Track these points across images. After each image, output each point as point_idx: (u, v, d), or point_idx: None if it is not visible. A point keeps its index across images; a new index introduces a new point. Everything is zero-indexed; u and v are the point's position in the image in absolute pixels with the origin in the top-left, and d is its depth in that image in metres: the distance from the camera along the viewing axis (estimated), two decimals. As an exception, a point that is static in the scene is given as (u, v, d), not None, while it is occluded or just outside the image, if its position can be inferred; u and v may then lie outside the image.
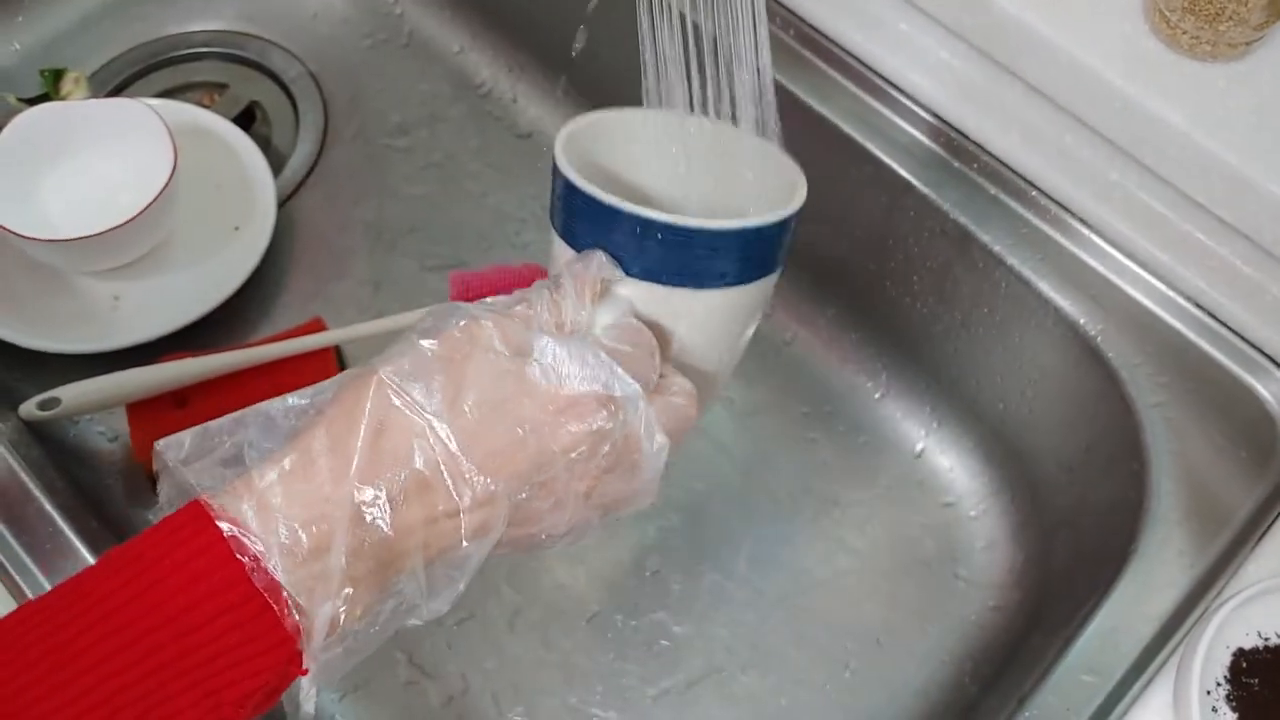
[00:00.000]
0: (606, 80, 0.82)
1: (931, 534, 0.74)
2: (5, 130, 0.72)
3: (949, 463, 0.76)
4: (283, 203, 0.81)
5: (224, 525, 0.35)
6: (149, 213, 0.69)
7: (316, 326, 0.74)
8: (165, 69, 0.88)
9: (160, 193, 0.70)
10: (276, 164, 0.82)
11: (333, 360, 0.74)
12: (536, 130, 0.87)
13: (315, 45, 0.89)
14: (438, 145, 0.86)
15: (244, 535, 0.35)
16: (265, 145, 0.82)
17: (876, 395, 0.78)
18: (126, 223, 0.69)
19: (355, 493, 0.36)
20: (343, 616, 0.36)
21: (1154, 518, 0.58)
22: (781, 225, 0.44)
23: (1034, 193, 0.65)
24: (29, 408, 0.67)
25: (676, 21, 0.46)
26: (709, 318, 0.45)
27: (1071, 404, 0.67)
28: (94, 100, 0.77)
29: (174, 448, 0.38)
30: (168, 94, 0.86)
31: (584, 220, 0.44)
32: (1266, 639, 0.51)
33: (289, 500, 0.36)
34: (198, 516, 0.35)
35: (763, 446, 0.76)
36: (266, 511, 0.35)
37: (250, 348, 0.72)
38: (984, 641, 0.70)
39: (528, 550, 0.42)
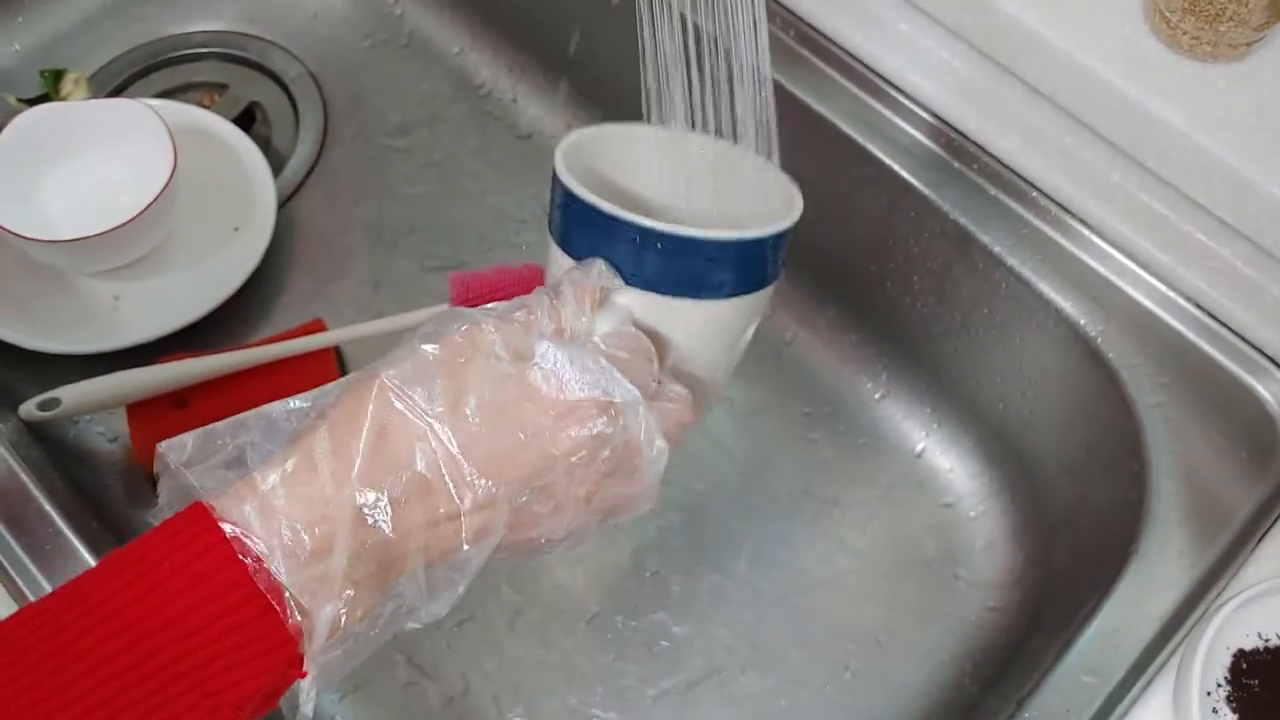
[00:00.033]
0: (606, 81, 0.82)
1: (932, 534, 0.74)
2: (5, 131, 0.72)
3: (949, 463, 0.76)
4: (283, 203, 0.81)
5: (226, 526, 0.35)
6: (149, 213, 0.69)
7: (316, 327, 0.74)
8: (165, 69, 0.88)
9: (160, 193, 0.70)
10: (276, 164, 0.82)
11: (333, 361, 0.74)
12: (536, 131, 0.87)
13: (315, 45, 0.89)
14: (438, 145, 0.86)
15: (246, 536, 0.35)
16: (265, 146, 0.82)
17: (877, 396, 0.78)
18: (127, 223, 0.69)
19: (357, 495, 0.36)
20: (344, 618, 0.36)
21: (1154, 518, 0.58)
22: (779, 237, 0.45)
23: (1034, 193, 0.65)
24: (29, 408, 0.67)
25: (676, 21, 0.46)
26: (706, 327, 0.45)
27: (1072, 405, 0.67)
28: (94, 101, 0.77)
29: (176, 449, 0.39)
30: (168, 94, 0.86)
31: (583, 229, 0.44)
32: (1267, 640, 0.51)
33: (291, 502, 0.36)
34: (199, 518, 0.35)
35: (763, 447, 0.76)
36: (269, 513, 0.36)
37: (250, 348, 0.72)
38: (984, 642, 0.70)
39: (527, 555, 0.42)
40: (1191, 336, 0.61)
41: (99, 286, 0.75)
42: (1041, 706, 0.54)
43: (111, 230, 0.68)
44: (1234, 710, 0.50)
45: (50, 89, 0.79)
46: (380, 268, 0.81)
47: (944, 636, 0.70)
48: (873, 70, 0.68)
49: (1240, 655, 0.51)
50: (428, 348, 0.39)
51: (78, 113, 0.75)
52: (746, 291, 0.45)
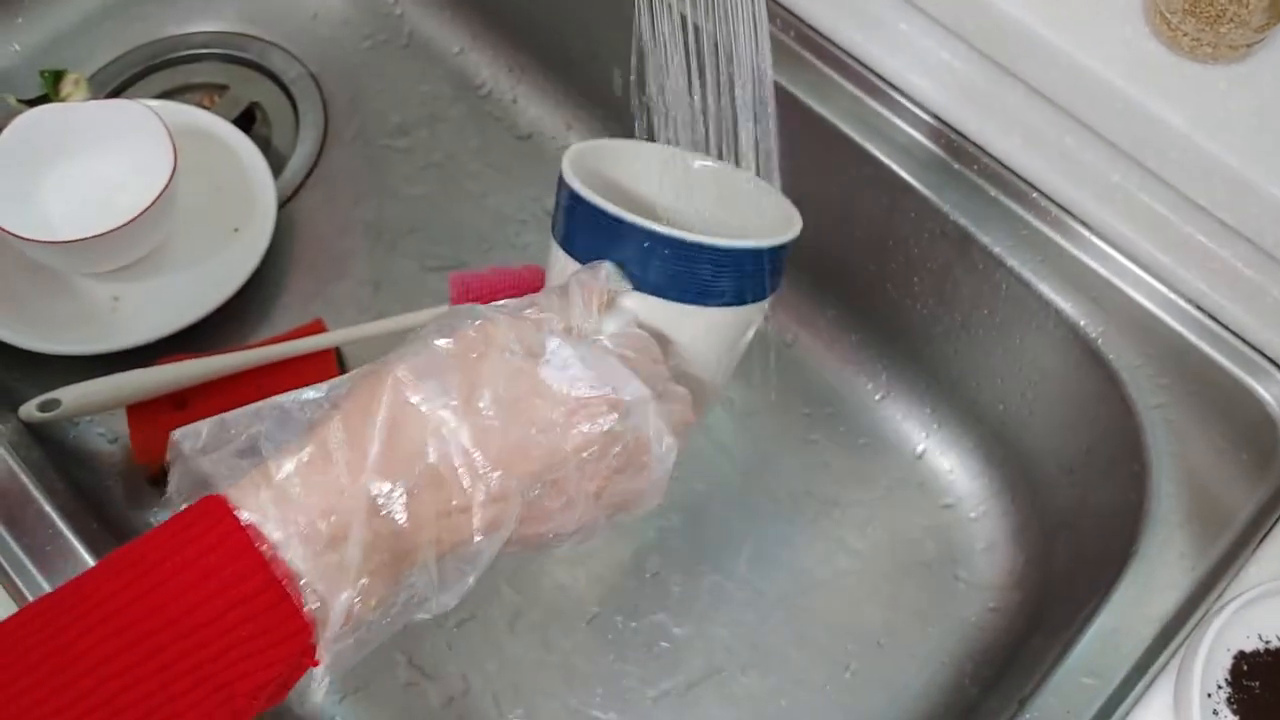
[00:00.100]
0: (607, 81, 0.82)
1: (932, 535, 0.74)
2: (5, 131, 0.72)
3: (949, 464, 0.76)
4: (283, 204, 0.81)
5: (243, 514, 0.35)
6: (149, 214, 0.69)
7: (317, 328, 0.74)
8: (165, 70, 0.87)
9: (160, 194, 0.70)
10: (276, 165, 0.82)
11: (333, 362, 0.74)
12: (536, 131, 0.87)
13: (315, 46, 0.89)
14: (438, 146, 0.86)
15: (262, 525, 0.35)
16: (265, 146, 0.82)
17: (877, 396, 0.78)
18: (126, 224, 0.69)
19: (371, 485, 0.37)
20: (358, 607, 0.37)
21: (1155, 520, 0.58)
22: (782, 249, 0.46)
23: (1035, 195, 0.65)
24: (29, 409, 0.67)
25: (677, 21, 0.46)
26: (708, 332, 0.46)
27: (1072, 406, 0.67)
28: (94, 101, 0.77)
29: (191, 437, 0.39)
30: (168, 95, 0.86)
31: (590, 232, 0.44)
32: (1268, 642, 0.51)
33: (307, 491, 0.36)
34: (215, 507, 0.36)
35: (763, 447, 0.76)
36: (285, 502, 0.36)
37: (250, 349, 0.72)
38: (984, 643, 0.70)
39: (536, 549, 0.43)
40: (1192, 338, 0.61)
41: (99, 287, 0.75)
42: (1042, 708, 0.54)
43: (111, 231, 0.68)
44: (1235, 712, 0.50)
45: (50, 90, 0.79)
46: (380, 268, 0.81)
47: (944, 637, 0.70)
48: (873, 71, 0.68)
49: (1241, 657, 0.51)
50: (441, 342, 0.39)
51: (78, 113, 0.75)
52: (747, 301, 0.46)
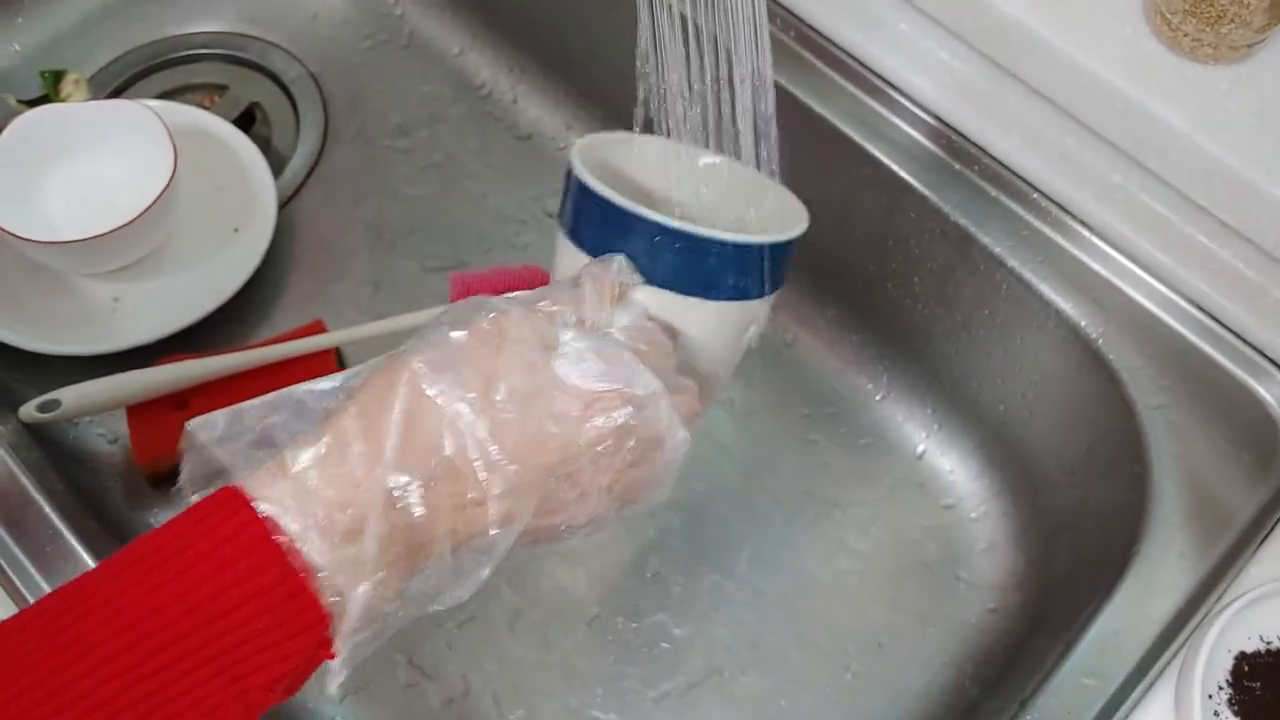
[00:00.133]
0: (607, 81, 0.82)
1: (932, 536, 0.74)
2: (5, 132, 0.72)
3: (950, 465, 0.76)
4: (283, 204, 0.81)
5: (261, 506, 0.35)
6: (149, 214, 0.69)
7: (316, 328, 0.74)
8: (165, 70, 0.87)
9: (160, 194, 0.70)
10: (277, 165, 0.82)
11: (333, 362, 0.74)
12: (537, 131, 0.87)
13: (315, 46, 0.89)
14: (438, 146, 0.86)
15: (280, 517, 0.35)
16: (265, 146, 0.82)
17: (878, 397, 0.78)
18: (127, 224, 0.69)
19: (388, 478, 0.37)
20: (375, 600, 0.37)
21: (1156, 520, 0.58)
22: (791, 245, 0.46)
23: (1035, 195, 0.65)
24: (29, 410, 0.67)
25: (677, 21, 0.46)
26: (715, 326, 0.46)
27: (1073, 406, 0.67)
28: (94, 102, 0.77)
29: (207, 427, 0.39)
30: (168, 95, 0.86)
31: (599, 224, 0.44)
32: (1269, 643, 0.51)
33: (324, 483, 0.36)
34: (232, 497, 0.36)
35: (763, 447, 0.76)
36: (303, 494, 0.36)
37: (250, 350, 0.71)
38: (985, 644, 0.70)
39: (548, 540, 0.43)
40: (1193, 338, 0.61)
41: (99, 288, 0.75)
42: (1043, 709, 0.54)
43: (111, 231, 0.68)
44: (1236, 713, 0.50)
45: (50, 90, 0.79)
46: (380, 268, 0.80)
47: (945, 638, 0.70)
48: (873, 71, 0.68)
49: (1242, 658, 0.51)
50: (456, 334, 0.39)
51: (78, 114, 0.75)
52: (754, 296, 0.46)
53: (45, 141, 0.73)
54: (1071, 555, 0.68)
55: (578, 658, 0.69)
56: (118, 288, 0.75)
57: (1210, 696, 0.50)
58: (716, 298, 0.45)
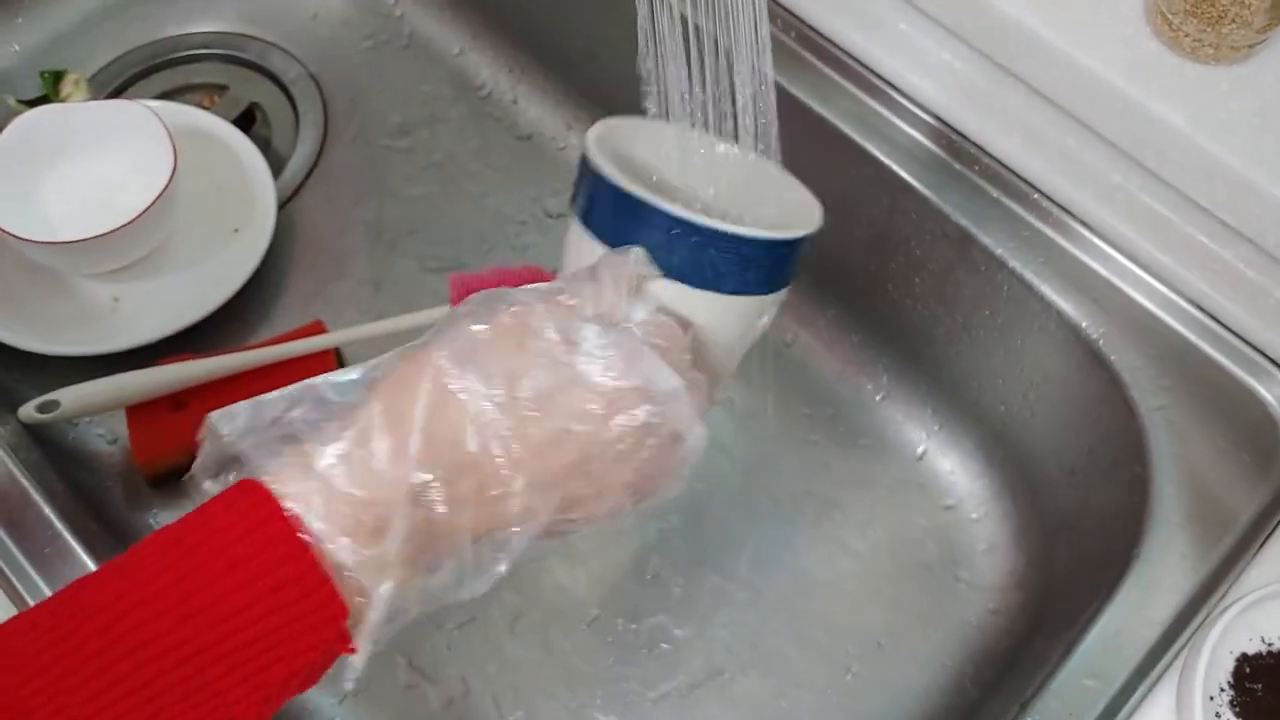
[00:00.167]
0: (607, 81, 0.82)
1: (933, 537, 0.73)
2: (5, 132, 0.72)
3: (950, 465, 0.75)
4: (283, 204, 0.81)
5: (286, 503, 0.35)
6: (149, 215, 0.69)
7: (316, 329, 0.74)
8: (165, 71, 0.87)
9: (160, 195, 0.70)
10: (276, 165, 0.82)
11: (333, 363, 0.74)
12: (536, 132, 0.86)
13: (315, 46, 0.89)
14: (438, 146, 0.86)
15: (304, 514, 0.35)
16: (265, 147, 0.82)
17: (878, 397, 0.78)
18: (126, 225, 0.68)
19: (411, 474, 0.37)
20: (397, 597, 0.37)
21: (1156, 521, 0.58)
22: (806, 241, 0.46)
23: (1035, 195, 0.65)
24: (28, 410, 0.67)
25: (677, 22, 0.45)
26: (725, 319, 0.46)
27: (1073, 407, 0.67)
28: (94, 102, 0.77)
29: (228, 419, 0.38)
30: (167, 95, 0.85)
31: (615, 214, 0.44)
32: (1270, 644, 0.51)
33: (348, 481, 0.36)
34: (254, 490, 0.36)
35: (764, 448, 0.76)
36: (327, 491, 0.36)
37: (250, 350, 0.71)
38: (985, 645, 0.70)
39: (564, 534, 0.43)
40: (1194, 339, 0.61)
41: (98, 288, 0.75)
42: (1043, 710, 0.54)
43: (111, 232, 0.68)
44: (1237, 715, 0.50)
45: (50, 90, 0.79)
46: (380, 269, 0.80)
47: (945, 639, 0.70)
48: (873, 71, 0.68)
49: (1243, 659, 0.51)
50: (479, 329, 0.39)
51: (77, 114, 0.74)
52: (767, 290, 0.46)
53: (45, 142, 0.73)
54: (1072, 556, 0.68)
55: (578, 659, 0.69)
56: (117, 288, 0.75)
57: (1212, 698, 0.50)
58: (731, 291, 0.44)
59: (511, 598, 0.71)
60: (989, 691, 0.67)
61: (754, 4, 0.46)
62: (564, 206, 0.83)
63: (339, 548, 0.35)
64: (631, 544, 0.73)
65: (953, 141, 0.66)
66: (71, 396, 0.68)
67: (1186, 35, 0.57)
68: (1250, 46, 0.57)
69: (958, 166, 0.66)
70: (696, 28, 0.45)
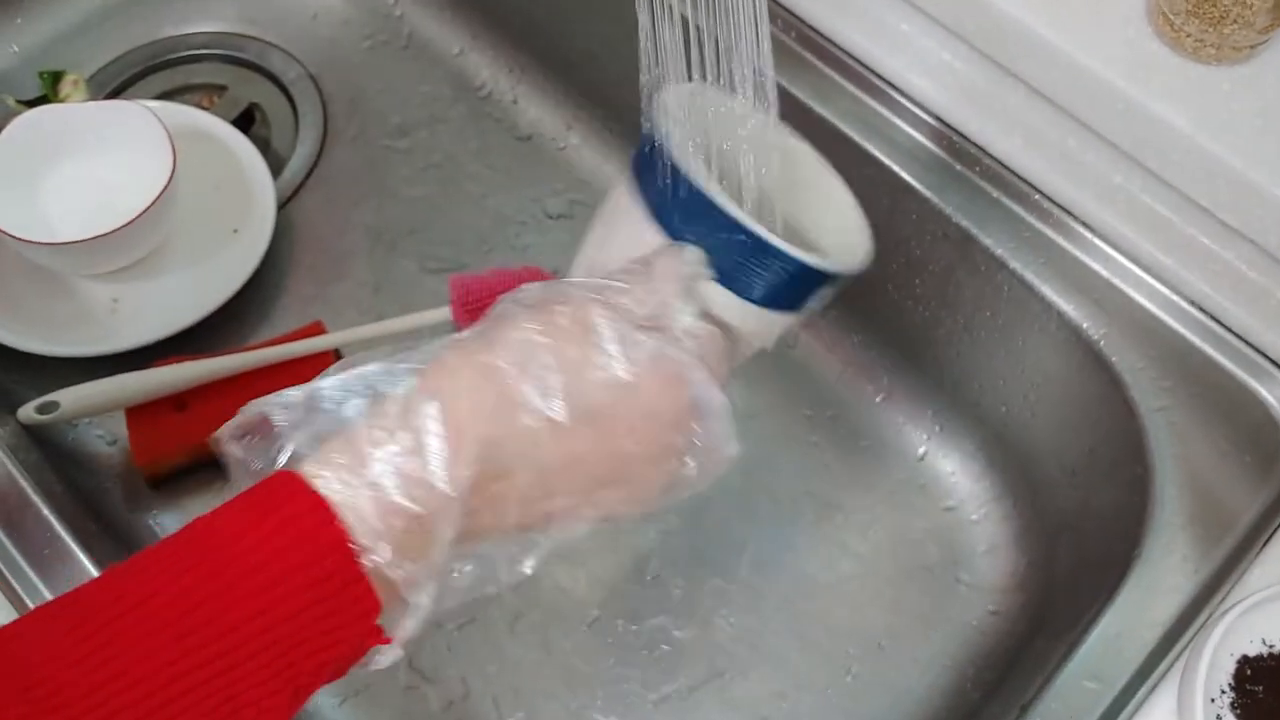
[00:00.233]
0: (607, 82, 0.82)
1: (934, 538, 0.73)
2: (4, 132, 0.72)
3: (951, 466, 0.75)
4: (282, 205, 0.81)
5: (331, 498, 0.35)
6: (148, 215, 0.69)
7: (316, 330, 0.74)
8: (164, 71, 0.87)
9: (159, 195, 0.70)
10: (276, 166, 0.82)
11: (332, 363, 0.74)
12: (536, 132, 0.86)
13: (315, 47, 0.89)
14: (437, 147, 0.85)
15: (355, 522, 0.35)
16: (264, 147, 0.82)
17: (878, 399, 0.78)
18: (125, 225, 0.68)
19: (455, 471, 0.37)
20: (437, 599, 0.37)
21: (1158, 523, 0.58)
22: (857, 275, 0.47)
23: (1036, 196, 0.64)
24: (27, 411, 0.67)
25: (677, 22, 0.45)
26: (758, 332, 0.46)
27: (1074, 408, 0.67)
28: (93, 103, 0.77)
29: (281, 408, 0.38)
30: (167, 96, 0.85)
31: (685, 211, 0.43)
32: (1271, 646, 0.51)
33: (400, 489, 0.36)
34: (293, 482, 0.36)
35: (764, 449, 0.76)
36: (377, 497, 0.36)
37: (250, 351, 0.71)
38: (986, 647, 0.70)
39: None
40: (1195, 340, 0.61)
41: (98, 289, 0.75)
42: (1044, 712, 0.54)
43: (110, 233, 0.68)
44: (1239, 717, 0.49)
45: (49, 90, 0.79)
46: (380, 270, 0.80)
47: (946, 641, 0.70)
48: (874, 72, 0.68)
49: (1244, 661, 0.51)
50: (536, 330, 0.39)
51: (76, 114, 0.74)
52: (803, 311, 0.46)
53: (44, 142, 0.73)
54: (1073, 557, 0.68)
55: (578, 660, 0.69)
56: (117, 289, 0.75)
57: (1213, 700, 0.50)
58: (772, 307, 0.45)
59: (511, 599, 0.70)
60: (990, 693, 0.67)
61: (754, 4, 0.46)
62: (564, 207, 0.84)
63: (382, 554, 0.35)
64: (632, 545, 0.73)
65: (953, 142, 0.66)
66: (71, 397, 0.68)
67: (1188, 35, 0.57)
68: (1252, 47, 0.57)
69: (958, 167, 0.66)
70: (697, 28, 0.45)
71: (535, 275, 0.72)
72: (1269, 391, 0.59)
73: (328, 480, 0.36)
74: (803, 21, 0.69)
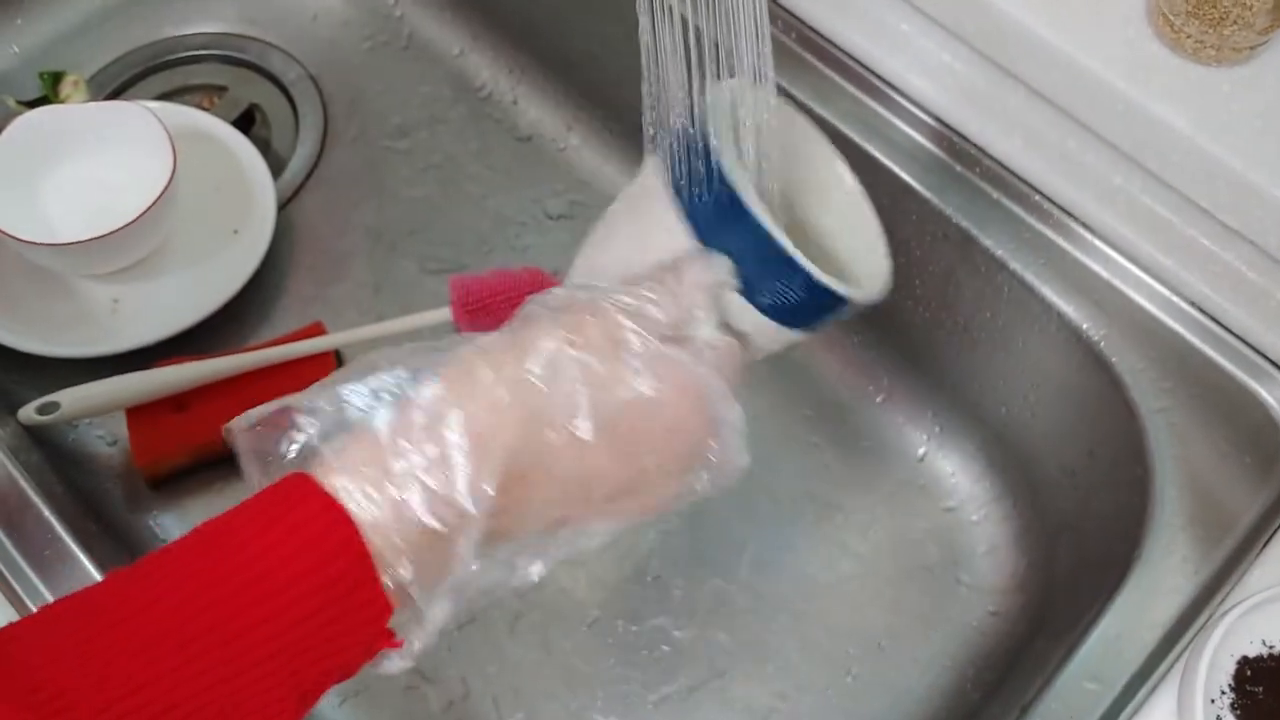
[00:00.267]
0: (606, 82, 0.82)
1: (934, 539, 0.73)
2: (4, 133, 0.72)
3: (951, 467, 0.75)
4: (282, 205, 0.81)
5: (353, 508, 0.35)
6: (148, 216, 0.69)
7: (316, 330, 0.74)
8: (164, 72, 0.87)
9: (159, 196, 0.70)
10: (276, 166, 0.82)
11: (333, 365, 0.74)
12: (536, 133, 0.86)
13: (315, 47, 0.89)
14: (438, 148, 0.85)
15: (378, 542, 0.35)
16: (265, 148, 0.82)
17: (879, 399, 0.78)
18: (126, 226, 0.68)
19: (482, 489, 0.37)
20: (453, 610, 0.38)
21: (1158, 524, 0.58)
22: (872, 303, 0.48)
23: (1037, 197, 0.64)
24: (28, 412, 0.67)
25: (677, 23, 0.45)
26: (765, 345, 0.46)
27: (1074, 409, 0.67)
28: (93, 103, 0.77)
29: (310, 411, 0.38)
30: (167, 97, 0.85)
31: (722, 225, 0.43)
32: (1271, 647, 0.51)
33: (424, 507, 0.36)
34: (306, 483, 0.36)
35: (765, 450, 0.76)
36: (400, 514, 0.36)
37: (250, 352, 0.71)
38: (986, 647, 0.70)
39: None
40: (1195, 341, 0.61)
41: (98, 290, 0.75)
42: (1044, 713, 0.54)
43: (111, 233, 0.68)
44: (1238, 718, 0.49)
45: (49, 91, 0.79)
46: (380, 270, 0.80)
47: (946, 641, 0.70)
48: (874, 73, 0.68)
49: (1245, 662, 0.51)
50: (569, 341, 0.39)
51: (77, 115, 0.74)
52: (808, 330, 0.47)
53: (44, 143, 0.73)
54: (1073, 558, 0.68)
55: (578, 661, 0.69)
56: (117, 289, 0.75)
57: (1213, 701, 0.50)
58: (785, 323, 0.45)
59: (511, 599, 0.70)
60: (990, 694, 0.67)
61: (754, 5, 0.46)
62: (564, 208, 0.84)
63: (407, 576, 0.36)
64: (632, 546, 0.73)
65: (953, 143, 0.66)
66: (71, 398, 0.68)
67: (1188, 36, 0.57)
68: (1252, 48, 0.57)
69: (958, 168, 0.66)
70: (697, 29, 0.45)
71: (536, 276, 0.72)
72: (1269, 392, 0.59)
73: (350, 491, 0.35)
74: (803, 22, 0.69)
